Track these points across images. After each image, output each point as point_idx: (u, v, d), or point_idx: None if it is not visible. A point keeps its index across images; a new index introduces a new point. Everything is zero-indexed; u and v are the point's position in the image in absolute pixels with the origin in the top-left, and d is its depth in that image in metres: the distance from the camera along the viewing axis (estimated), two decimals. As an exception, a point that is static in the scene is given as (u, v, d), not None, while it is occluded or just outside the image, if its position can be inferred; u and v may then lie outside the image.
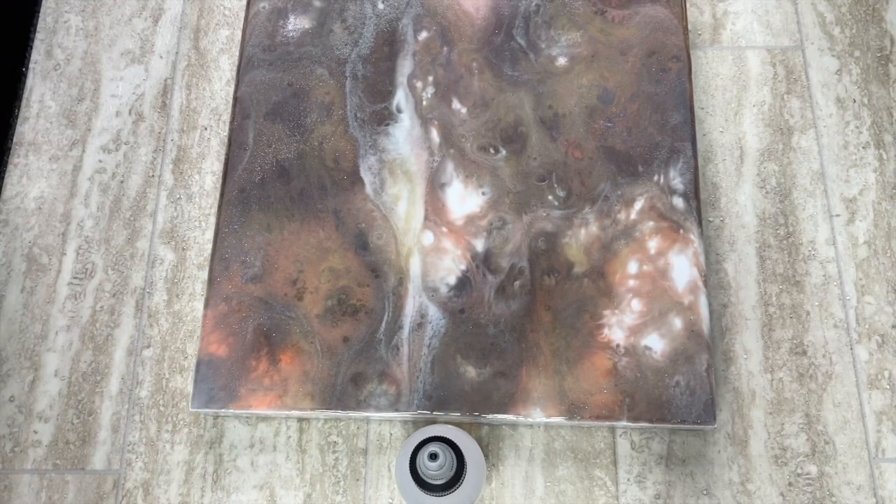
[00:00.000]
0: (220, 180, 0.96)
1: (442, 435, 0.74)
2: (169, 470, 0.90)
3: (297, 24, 0.98)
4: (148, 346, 0.94)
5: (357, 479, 0.88)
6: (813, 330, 0.92)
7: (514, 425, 0.89)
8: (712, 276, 0.94)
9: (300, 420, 0.90)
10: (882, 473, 0.88)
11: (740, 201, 0.97)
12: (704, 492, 0.87)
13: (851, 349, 0.92)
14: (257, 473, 0.89)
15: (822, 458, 0.88)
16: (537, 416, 0.83)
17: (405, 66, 0.96)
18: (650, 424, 0.83)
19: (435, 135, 0.93)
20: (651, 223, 0.88)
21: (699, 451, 0.88)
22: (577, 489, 0.87)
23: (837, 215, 0.96)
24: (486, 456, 0.88)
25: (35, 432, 0.91)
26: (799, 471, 0.88)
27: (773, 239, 0.95)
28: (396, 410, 0.83)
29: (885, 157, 0.98)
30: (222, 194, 0.92)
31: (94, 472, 0.90)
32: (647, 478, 0.88)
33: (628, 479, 0.88)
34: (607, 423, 0.84)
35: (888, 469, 0.88)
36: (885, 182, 0.97)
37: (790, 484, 0.87)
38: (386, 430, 0.90)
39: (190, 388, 0.92)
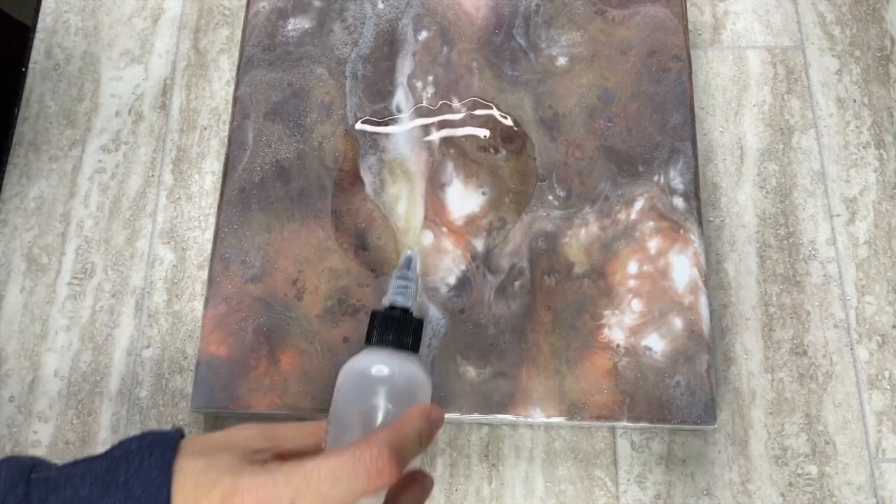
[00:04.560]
0: (220, 180, 0.96)
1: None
2: (169, 470, 0.90)
3: (296, 23, 0.98)
4: (148, 347, 0.94)
5: (357, 480, 0.88)
6: (813, 330, 0.92)
7: (514, 425, 0.89)
8: (712, 276, 0.94)
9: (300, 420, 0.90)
10: (882, 474, 0.88)
11: (740, 201, 0.97)
12: (704, 492, 0.87)
13: (852, 349, 0.92)
14: (257, 473, 0.89)
15: (822, 458, 0.88)
16: (537, 416, 0.83)
17: (405, 66, 0.96)
18: (650, 425, 0.83)
19: (435, 135, 0.93)
20: (651, 223, 0.88)
21: (699, 451, 0.88)
22: (578, 489, 0.87)
23: (838, 215, 0.96)
24: (486, 456, 0.88)
25: (35, 432, 0.91)
26: (799, 471, 0.88)
27: (774, 239, 0.95)
28: (396, 410, 0.83)
29: (885, 157, 0.98)
30: (222, 194, 0.92)
31: (94, 472, 0.90)
32: (647, 478, 0.88)
33: (628, 480, 0.88)
34: (607, 424, 0.84)
35: (888, 469, 0.88)
36: (886, 182, 0.97)
37: (790, 484, 0.87)
38: (386, 430, 0.90)
39: (190, 389, 0.91)
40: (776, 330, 0.92)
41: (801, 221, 0.96)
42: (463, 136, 0.93)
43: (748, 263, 0.95)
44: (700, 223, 0.88)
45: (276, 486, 0.53)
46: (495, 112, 0.94)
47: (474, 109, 0.94)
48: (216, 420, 0.91)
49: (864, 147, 0.99)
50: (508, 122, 0.93)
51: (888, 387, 0.90)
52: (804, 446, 0.88)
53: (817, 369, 0.91)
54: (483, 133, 0.93)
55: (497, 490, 0.88)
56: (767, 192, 0.97)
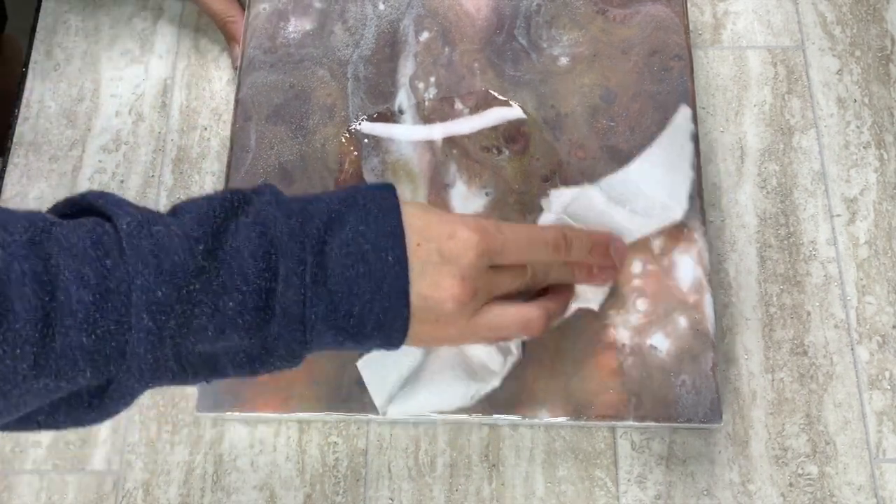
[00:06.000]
0: (221, 180, 0.96)
1: None
2: (169, 470, 0.90)
3: (297, 25, 0.98)
4: (148, 347, 0.94)
5: (357, 480, 0.89)
6: (814, 330, 0.92)
7: (514, 426, 0.89)
8: (713, 276, 0.94)
9: (300, 421, 0.90)
10: (883, 474, 0.88)
11: (741, 201, 0.97)
12: (705, 492, 0.87)
13: (852, 349, 0.92)
14: (257, 474, 0.89)
15: (822, 458, 0.88)
16: (543, 416, 0.82)
17: (407, 67, 0.96)
18: (657, 424, 0.83)
19: (437, 135, 0.93)
20: (655, 223, 0.88)
21: (700, 451, 0.89)
22: (578, 489, 0.87)
23: (838, 215, 0.96)
24: (486, 456, 0.89)
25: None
26: (800, 471, 0.88)
27: (774, 239, 0.96)
28: (401, 412, 0.83)
29: (885, 157, 0.99)
30: (225, 197, 0.91)
31: (94, 472, 0.90)
32: (647, 478, 0.88)
33: (629, 480, 0.88)
34: (614, 423, 0.84)
35: (889, 469, 0.88)
36: (886, 182, 0.98)
37: (791, 484, 0.87)
38: (386, 430, 0.90)
39: (190, 389, 0.91)
40: (776, 330, 0.93)
41: (802, 221, 0.96)
42: (466, 137, 0.92)
43: (748, 263, 0.95)
44: (704, 222, 0.88)
45: (491, 220, 0.72)
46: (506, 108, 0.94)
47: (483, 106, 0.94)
48: (216, 420, 0.91)
49: (864, 147, 0.99)
50: (520, 112, 0.93)
51: (888, 387, 0.90)
52: (805, 446, 0.88)
53: (818, 369, 0.91)
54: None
55: (497, 490, 0.88)
56: (768, 193, 0.97)
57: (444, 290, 0.66)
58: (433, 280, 0.65)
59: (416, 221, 0.66)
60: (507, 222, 0.74)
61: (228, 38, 1.02)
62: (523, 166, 0.91)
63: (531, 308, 0.73)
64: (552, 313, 0.76)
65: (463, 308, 0.67)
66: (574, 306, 0.83)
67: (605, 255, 0.80)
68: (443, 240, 0.66)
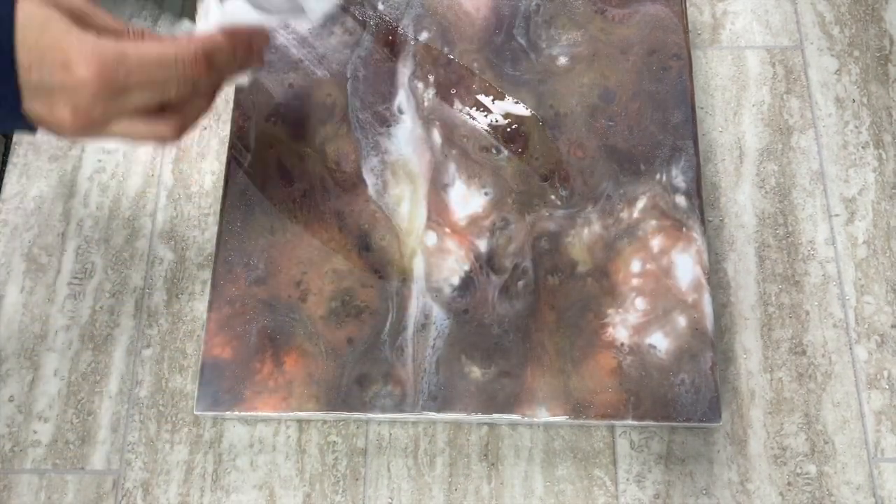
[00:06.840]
0: (220, 180, 0.96)
1: None
2: (168, 470, 0.90)
3: (297, 25, 0.98)
4: (147, 346, 0.94)
5: (356, 479, 0.89)
6: (812, 330, 0.92)
7: (513, 425, 0.89)
8: (712, 276, 0.94)
9: (299, 420, 0.90)
10: (881, 473, 0.88)
11: (740, 201, 0.97)
12: (704, 491, 0.87)
13: (851, 349, 0.92)
14: (257, 473, 0.89)
15: (821, 457, 0.88)
16: (542, 415, 0.83)
17: (406, 67, 0.96)
18: (655, 423, 0.83)
19: (437, 135, 0.93)
20: (654, 221, 0.88)
21: (698, 450, 0.89)
22: (577, 489, 0.87)
23: (837, 215, 0.96)
24: (485, 455, 0.89)
25: (35, 432, 0.91)
26: (798, 470, 0.88)
27: (773, 239, 0.96)
28: (401, 411, 0.83)
29: (884, 156, 0.99)
30: (225, 197, 0.91)
31: (94, 471, 0.90)
32: (646, 477, 0.88)
33: (628, 479, 0.88)
34: (613, 423, 0.84)
35: (887, 469, 0.88)
36: (885, 182, 0.98)
37: (789, 483, 0.87)
38: (385, 430, 0.90)
39: (190, 388, 0.92)
40: (775, 329, 0.93)
41: (800, 221, 0.96)
42: (465, 136, 0.93)
43: (747, 263, 0.95)
44: (702, 221, 0.88)
45: (112, 48, 0.65)
46: (507, 103, 0.94)
47: (489, 98, 0.94)
48: (216, 420, 0.91)
49: (863, 147, 0.99)
50: (522, 110, 0.94)
51: (887, 386, 0.90)
52: (803, 446, 0.89)
53: (816, 369, 0.91)
54: (491, 122, 0.93)
55: (496, 489, 0.88)
56: (766, 192, 0.97)
57: (58, 118, 0.65)
58: (47, 104, 0.64)
59: (31, 38, 0.63)
60: (137, 42, 0.67)
61: None
62: (522, 166, 0.91)
63: (162, 124, 0.71)
64: (188, 123, 0.74)
65: (83, 131, 0.67)
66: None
67: (248, 49, 0.75)
68: (56, 69, 0.63)
